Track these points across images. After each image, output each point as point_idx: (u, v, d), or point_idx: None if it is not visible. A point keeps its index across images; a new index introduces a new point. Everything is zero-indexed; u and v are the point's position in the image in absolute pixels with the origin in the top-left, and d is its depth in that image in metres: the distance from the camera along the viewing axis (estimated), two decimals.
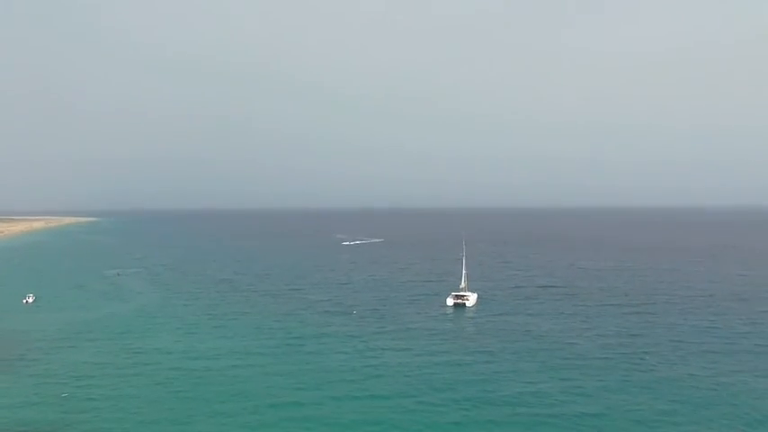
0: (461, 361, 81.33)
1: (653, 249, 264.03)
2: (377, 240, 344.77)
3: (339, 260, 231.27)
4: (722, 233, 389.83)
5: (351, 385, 70.55)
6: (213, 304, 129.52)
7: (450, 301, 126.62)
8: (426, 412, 61.39)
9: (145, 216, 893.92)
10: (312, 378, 73.42)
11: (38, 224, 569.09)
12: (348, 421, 59.47)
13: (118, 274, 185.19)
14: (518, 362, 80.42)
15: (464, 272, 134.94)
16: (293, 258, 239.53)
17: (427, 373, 75.40)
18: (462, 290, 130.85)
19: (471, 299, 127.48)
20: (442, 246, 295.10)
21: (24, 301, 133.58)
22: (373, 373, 75.39)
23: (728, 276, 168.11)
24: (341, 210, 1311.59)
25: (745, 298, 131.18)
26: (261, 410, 62.48)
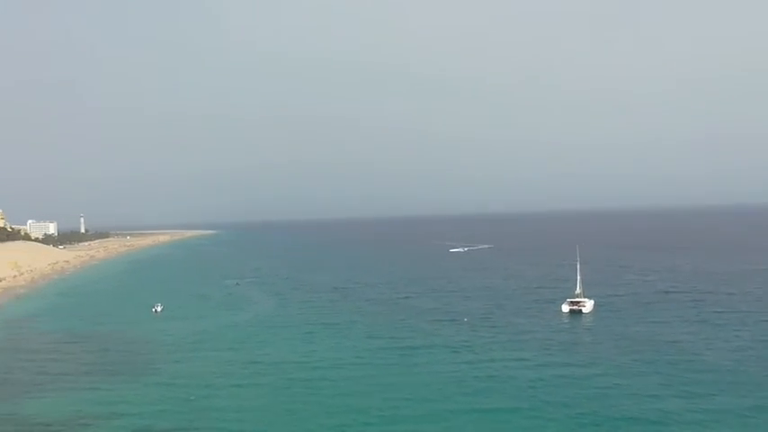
0: (579, 373, 77.87)
1: None
2: (485, 246, 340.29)
3: (448, 267, 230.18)
4: None
5: (462, 398, 69.17)
6: (326, 313, 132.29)
7: (565, 308, 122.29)
8: (541, 429, 59.17)
9: (261, 227, 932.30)
10: (423, 390, 72.60)
11: (163, 238, 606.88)
12: None
13: (237, 284, 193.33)
14: (640, 375, 75.99)
15: (579, 277, 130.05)
16: (402, 266, 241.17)
17: (542, 385, 72.75)
18: (578, 296, 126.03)
19: (588, 305, 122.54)
20: (553, 251, 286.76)
21: (153, 310, 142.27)
22: (485, 386, 73.65)
23: None
24: (446, 216, 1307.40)
25: None
26: (373, 424, 62.57)
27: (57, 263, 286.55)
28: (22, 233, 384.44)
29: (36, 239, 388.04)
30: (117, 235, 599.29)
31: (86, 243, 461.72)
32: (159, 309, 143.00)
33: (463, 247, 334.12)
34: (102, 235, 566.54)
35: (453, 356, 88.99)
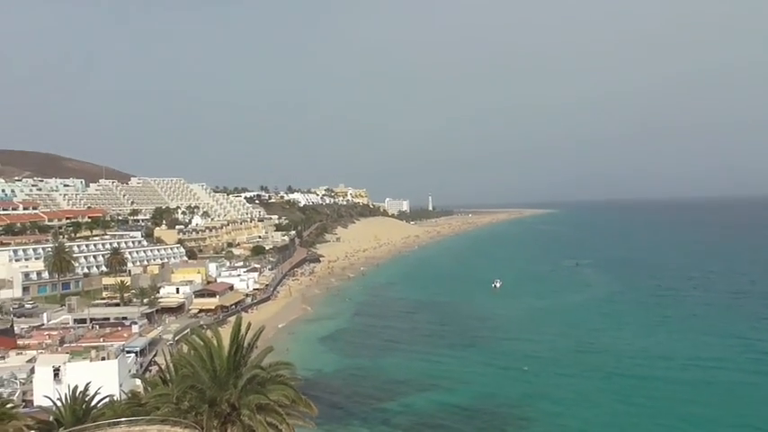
0: None
1: None
2: None
3: None
4: None
5: None
6: (670, 304, 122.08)
7: None
8: None
9: (604, 206, 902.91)
10: None
11: (502, 216, 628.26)
12: None
13: (576, 265, 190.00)
14: None
15: None
16: (755, 254, 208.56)
17: None
18: None
19: None
20: None
21: (493, 285, 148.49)
22: None
23: None
24: None
25: None
26: None
27: (408, 237, 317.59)
28: (381, 210, 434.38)
29: (392, 215, 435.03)
30: (460, 213, 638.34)
31: (433, 220, 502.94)
32: (498, 285, 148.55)
33: None
34: (446, 212, 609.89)
35: None
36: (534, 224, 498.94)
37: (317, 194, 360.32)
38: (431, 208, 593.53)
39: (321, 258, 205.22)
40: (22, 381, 57.31)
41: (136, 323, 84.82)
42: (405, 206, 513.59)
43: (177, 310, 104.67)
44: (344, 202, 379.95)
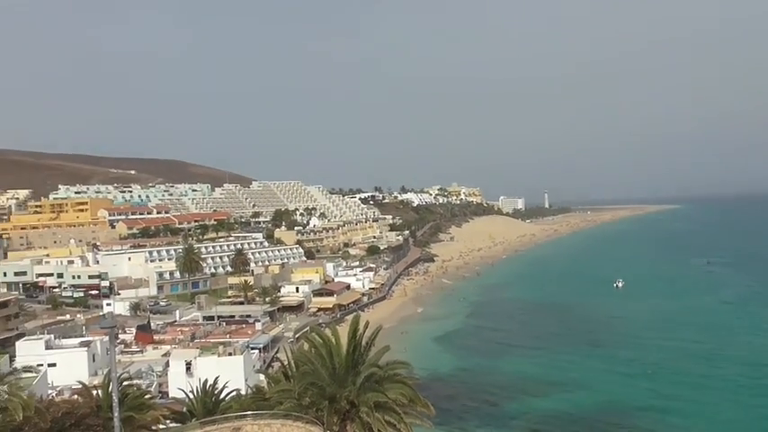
0: None
1: None
2: None
3: None
4: None
5: None
6: None
7: None
8: None
9: (733, 201, 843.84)
10: None
11: (623, 213, 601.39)
12: None
13: (707, 263, 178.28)
14: None
15: None
16: None
17: None
18: None
19: None
20: None
21: (615, 285, 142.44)
22: None
23: None
24: None
25: None
26: None
27: (524, 235, 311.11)
28: (495, 208, 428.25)
29: (506, 214, 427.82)
30: (578, 210, 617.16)
31: (550, 218, 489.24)
32: (620, 284, 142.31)
33: None
34: (564, 210, 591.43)
35: None
36: (658, 220, 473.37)
37: (431, 194, 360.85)
38: (547, 206, 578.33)
39: (435, 258, 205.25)
40: (159, 373, 61.38)
41: (259, 321, 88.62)
42: (519, 204, 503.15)
43: (297, 308, 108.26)
44: (458, 201, 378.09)
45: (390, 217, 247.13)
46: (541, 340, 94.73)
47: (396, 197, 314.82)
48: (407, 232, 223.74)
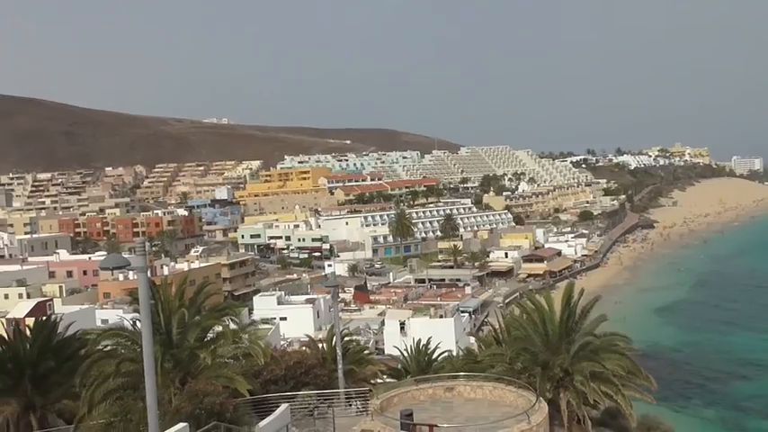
0: None
1: None
2: None
3: None
4: None
5: None
6: None
7: None
8: None
9: None
10: None
11: None
12: None
13: None
14: None
15: None
16: None
17: None
18: None
19: None
20: None
21: None
22: None
23: None
24: None
25: None
26: None
27: (762, 199, 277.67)
28: (727, 170, 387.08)
29: (740, 176, 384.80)
30: None
31: None
32: None
33: None
34: None
35: None
36: None
37: (650, 156, 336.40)
38: None
39: (655, 224, 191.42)
40: (375, 331, 65.09)
41: (468, 285, 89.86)
42: (757, 165, 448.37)
43: (506, 273, 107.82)
44: (682, 163, 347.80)
45: (604, 181, 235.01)
46: None
47: (610, 160, 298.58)
48: (623, 197, 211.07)
